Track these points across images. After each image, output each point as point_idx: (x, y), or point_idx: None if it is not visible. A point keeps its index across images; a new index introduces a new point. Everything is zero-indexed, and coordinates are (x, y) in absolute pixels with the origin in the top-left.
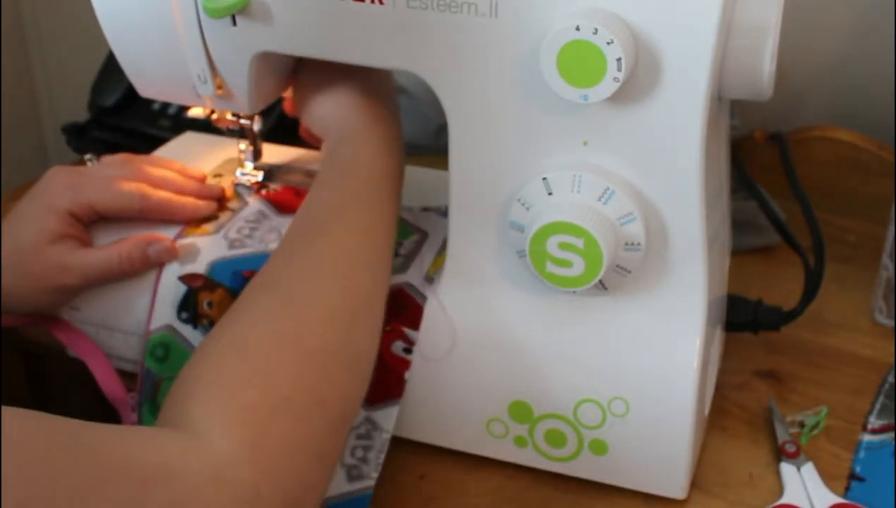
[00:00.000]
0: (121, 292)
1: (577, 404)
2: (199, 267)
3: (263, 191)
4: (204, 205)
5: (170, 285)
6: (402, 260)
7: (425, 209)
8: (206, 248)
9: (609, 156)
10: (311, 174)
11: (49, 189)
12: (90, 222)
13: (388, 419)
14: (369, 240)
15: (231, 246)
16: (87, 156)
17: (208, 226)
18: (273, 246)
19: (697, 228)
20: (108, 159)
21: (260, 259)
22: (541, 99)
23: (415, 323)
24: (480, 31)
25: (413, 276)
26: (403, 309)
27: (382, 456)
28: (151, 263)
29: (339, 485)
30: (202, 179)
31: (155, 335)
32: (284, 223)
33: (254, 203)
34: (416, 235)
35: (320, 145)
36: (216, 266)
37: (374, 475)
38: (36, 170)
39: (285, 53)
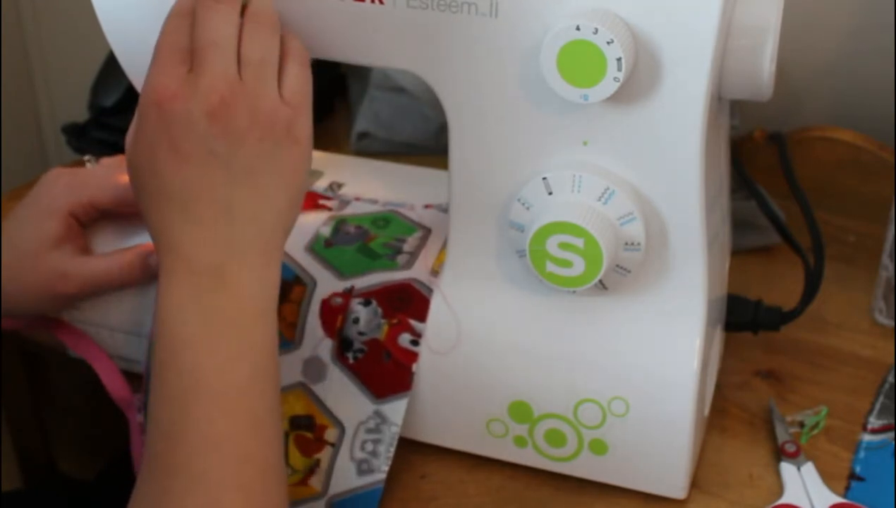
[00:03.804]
0: (121, 292)
1: (577, 404)
2: None
3: None
4: None
5: None
6: (407, 257)
7: (427, 206)
8: None
9: (609, 156)
10: (310, 173)
11: (48, 192)
12: (91, 221)
13: (396, 412)
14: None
15: None
16: (87, 158)
17: None
18: None
19: (697, 228)
20: (108, 161)
21: None
22: (541, 99)
23: (421, 316)
24: (480, 31)
25: (419, 272)
26: (409, 303)
27: (392, 450)
28: (152, 273)
29: (350, 480)
30: None
31: None
32: None
33: None
34: (419, 232)
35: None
36: None
37: (385, 468)
38: (36, 171)
39: None
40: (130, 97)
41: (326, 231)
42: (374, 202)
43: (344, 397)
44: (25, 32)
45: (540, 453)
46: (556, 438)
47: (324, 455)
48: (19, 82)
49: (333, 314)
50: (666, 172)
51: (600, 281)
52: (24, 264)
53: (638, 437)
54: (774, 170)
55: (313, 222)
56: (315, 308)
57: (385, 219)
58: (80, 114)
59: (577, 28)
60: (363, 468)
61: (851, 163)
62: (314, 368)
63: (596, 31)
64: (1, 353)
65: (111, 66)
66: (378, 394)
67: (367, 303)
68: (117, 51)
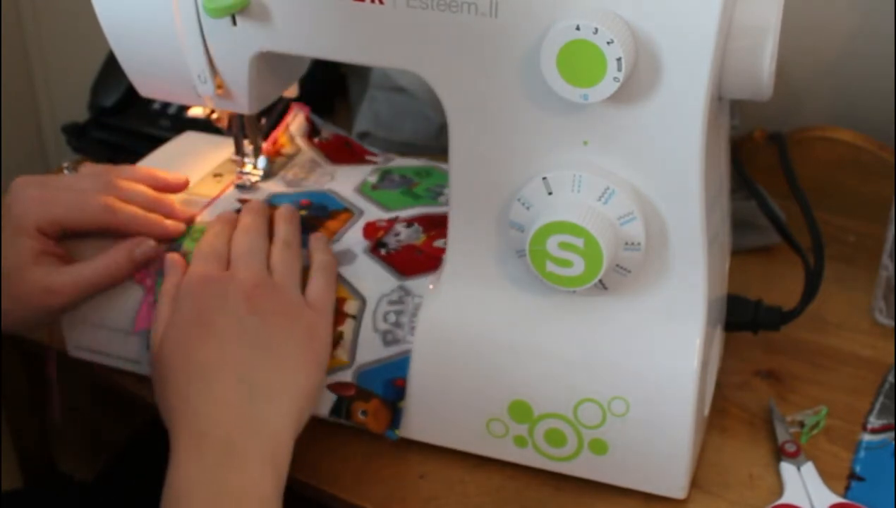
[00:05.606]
0: (119, 291)
1: (577, 404)
2: (261, 196)
3: (315, 139)
4: (171, 225)
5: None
6: (447, 199)
7: None
8: (266, 187)
9: (609, 156)
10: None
11: (16, 209)
12: (59, 238)
13: (421, 286)
14: None
15: (288, 185)
16: (65, 164)
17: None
18: (327, 186)
19: (697, 228)
20: (85, 170)
21: (316, 194)
22: (541, 99)
23: None
24: (480, 31)
25: None
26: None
27: (415, 321)
28: (138, 266)
29: (376, 350)
30: (184, 185)
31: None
32: (337, 170)
33: (306, 150)
34: None
35: None
36: (275, 198)
37: (410, 338)
38: (36, 171)
39: (285, 53)
40: (130, 97)
41: (374, 178)
42: (417, 158)
43: (368, 275)
44: (25, 32)
45: (540, 453)
46: (556, 438)
47: (346, 327)
48: (19, 82)
49: (376, 230)
50: (666, 172)
51: (600, 281)
52: (11, 283)
53: (638, 437)
54: (774, 170)
55: (361, 171)
56: (359, 226)
57: (427, 172)
58: (80, 114)
59: (577, 28)
60: (388, 338)
61: (851, 163)
62: (344, 258)
63: (596, 31)
64: (1, 353)
65: (111, 66)
66: (404, 273)
67: (409, 225)
68: (117, 51)
